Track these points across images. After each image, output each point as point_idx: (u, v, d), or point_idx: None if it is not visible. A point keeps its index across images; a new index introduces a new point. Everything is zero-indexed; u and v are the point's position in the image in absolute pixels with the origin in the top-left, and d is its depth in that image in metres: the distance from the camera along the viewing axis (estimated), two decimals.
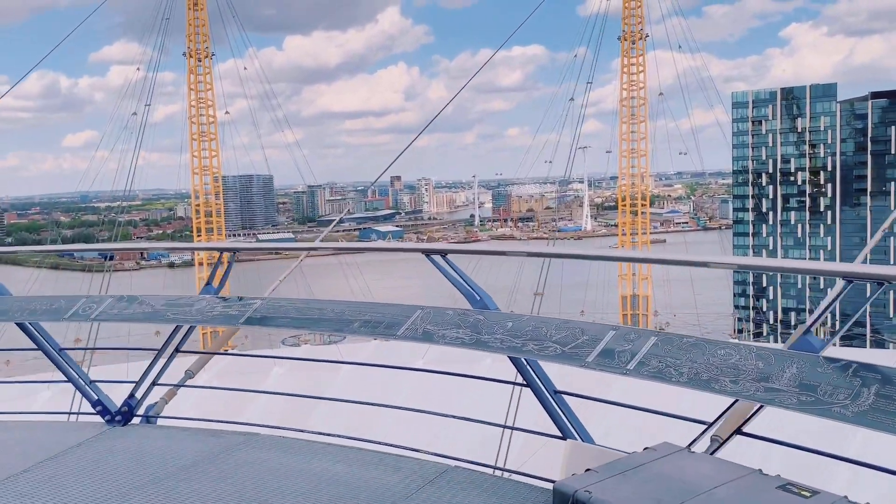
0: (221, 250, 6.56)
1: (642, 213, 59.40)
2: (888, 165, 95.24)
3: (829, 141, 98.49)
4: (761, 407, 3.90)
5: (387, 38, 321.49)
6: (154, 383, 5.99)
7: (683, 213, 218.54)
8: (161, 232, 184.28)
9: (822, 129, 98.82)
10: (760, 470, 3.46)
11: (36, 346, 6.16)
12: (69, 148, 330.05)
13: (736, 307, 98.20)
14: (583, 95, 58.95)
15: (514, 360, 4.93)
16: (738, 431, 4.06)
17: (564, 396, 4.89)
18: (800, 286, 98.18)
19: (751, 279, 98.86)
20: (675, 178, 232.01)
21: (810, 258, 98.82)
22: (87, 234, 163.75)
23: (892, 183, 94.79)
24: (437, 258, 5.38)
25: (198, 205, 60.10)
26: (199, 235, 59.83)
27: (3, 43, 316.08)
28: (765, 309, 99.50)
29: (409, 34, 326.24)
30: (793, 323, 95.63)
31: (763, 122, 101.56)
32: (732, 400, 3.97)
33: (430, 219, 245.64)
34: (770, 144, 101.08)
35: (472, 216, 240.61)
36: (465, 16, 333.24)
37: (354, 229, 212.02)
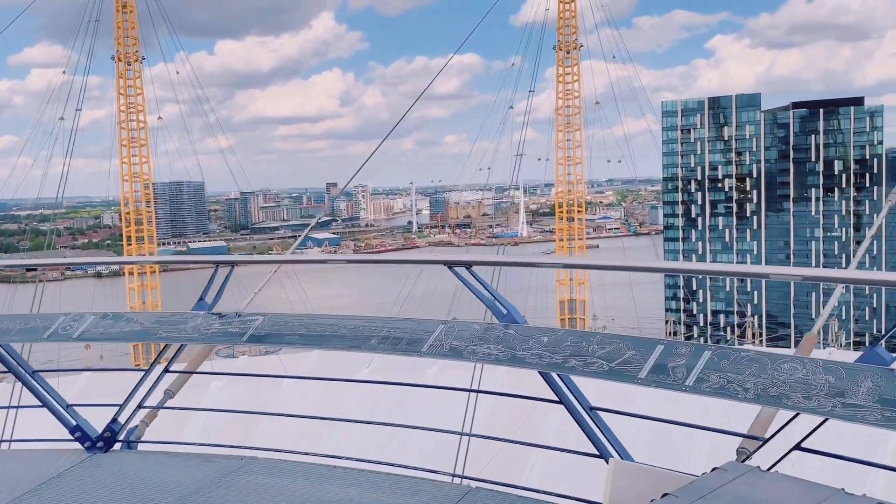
0: (217, 263, 6.10)
1: (578, 219, 60.45)
2: (809, 173, 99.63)
3: (754, 149, 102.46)
4: (824, 421, 3.72)
5: (321, 43, 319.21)
6: (140, 406, 5.59)
7: (615, 220, 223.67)
8: (87, 241, 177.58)
9: (747, 137, 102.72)
10: (843, 489, 3.29)
11: (6, 370, 5.67)
12: None
13: (668, 310, 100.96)
14: (522, 103, 59.65)
15: (546, 377, 4.68)
16: (799, 447, 3.87)
17: (601, 413, 4.65)
18: (728, 289, 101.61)
19: (681, 282, 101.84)
20: (607, 184, 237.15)
21: (738, 262, 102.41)
22: (6, 243, 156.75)
23: (813, 189, 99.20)
24: (461, 270, 5.16)
25: (128, 213, 58.14)
26: (128, 245, 57.87)
27: None
28: (695, 311, 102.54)
29: (343, 40, 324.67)
30: (722, 324, 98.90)
31: (692, 130, 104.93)
32: (792, 414, 3.73)
33: (367, 225, 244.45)
34: (698, 152, 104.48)
35: (410, 223, 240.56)
36: (400, 23, 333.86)
37: (290, 237, 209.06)
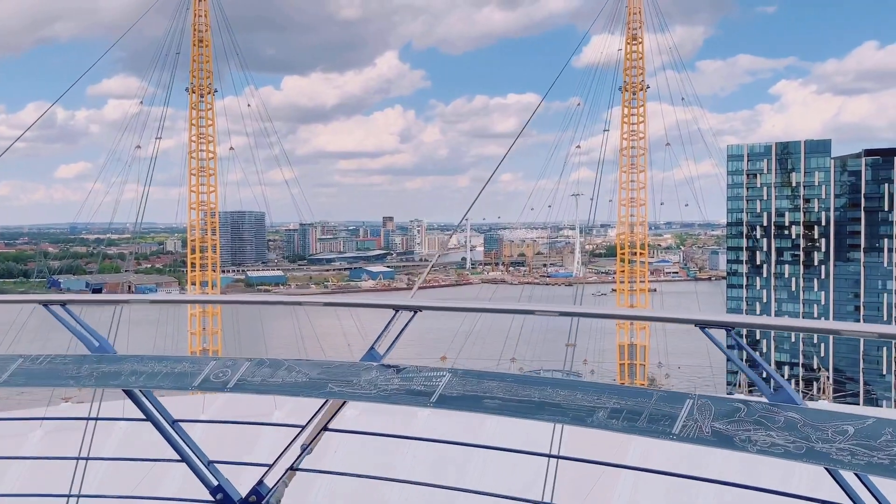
0: (398, 308, 5.33)
1: (641, 261, 59.22)
2: (881, 222, 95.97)
3: (823, 196, 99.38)
4: None
5: (384, 81, 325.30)
6: (292, 468, 5.10)
7: (673, 263, 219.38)
8: (150, 266, 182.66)
9: (816, 184, 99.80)
10: None
11: (145, 417, 5.30)
12: (61, 179, 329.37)
13: (730, 359, 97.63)
14: (584, 142, 59.19)
15: (835, 475, 3.78)
16: None
17: None
18: (793, 340, 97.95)
19: (744, 330, 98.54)
20: (665, 227, 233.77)
21: (804, 312, 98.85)
22: (74, 265, 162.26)
23: (886, 240, 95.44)
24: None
25: (193, 240, 59.35)
26: (192, 271, 58.96)
27: (3, 73, 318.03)
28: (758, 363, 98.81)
29: (406, 78, 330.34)
30: (786, 376, 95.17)
31: (758, 175, 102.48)
32: None
33: (421, 260, 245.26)
34: (764, 198, 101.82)
35: (464, 259, 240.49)
36: (461, 62, 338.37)
37: (345, 269, 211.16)
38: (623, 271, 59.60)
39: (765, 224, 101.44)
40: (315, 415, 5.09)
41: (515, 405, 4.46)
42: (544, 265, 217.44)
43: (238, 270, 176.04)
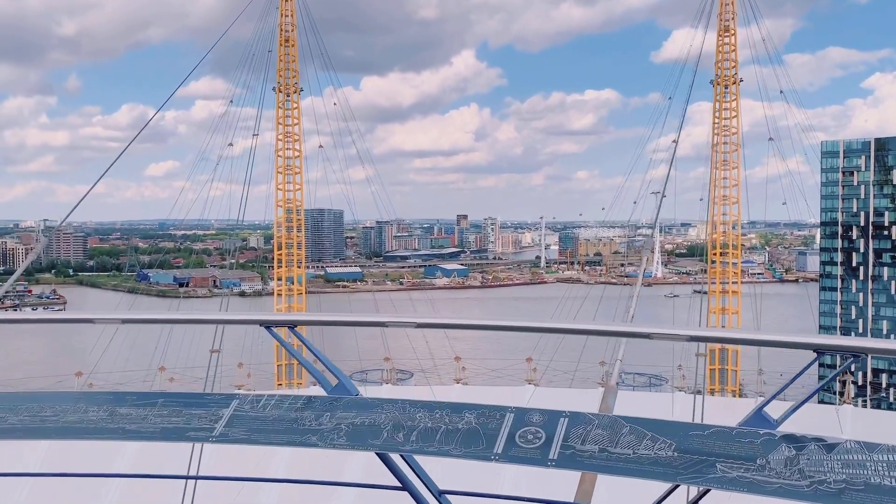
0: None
1: (733, 262, 56.94)
2: None
3: None
4: None
5: (460, 80, 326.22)
6: None
7: (758, 264, 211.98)
8: (234, 261, 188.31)
9: None
10: None
11: (400, 485, 4.45)
12: (151, 177, 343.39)
13: (821, 364, 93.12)
14: (658, 140, 57.42)
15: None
16: None
17: None
18: None
19: (837, 333, 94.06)
20: (748, 227, 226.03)
21: None
22: (163, 260, 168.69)
23: None
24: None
25: (279, 237, 60.40)
26: (279, 267, 60.02)
27: (100, 77, 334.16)
28: (852, 369, 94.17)
29: (482, 76, 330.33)
30: (884, 385, 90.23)
31: (854, 172, 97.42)
32: None
33: (495, 258, 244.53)
34: (861, 196, 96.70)
35: (538, 257, 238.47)
36: (538, 60, 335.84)
37: (420, 266, 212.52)
38: (714, 272, 57.48)
39: (862, 224, 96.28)
40: None
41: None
42: (622, 264, 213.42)
43: (318, 266, 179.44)
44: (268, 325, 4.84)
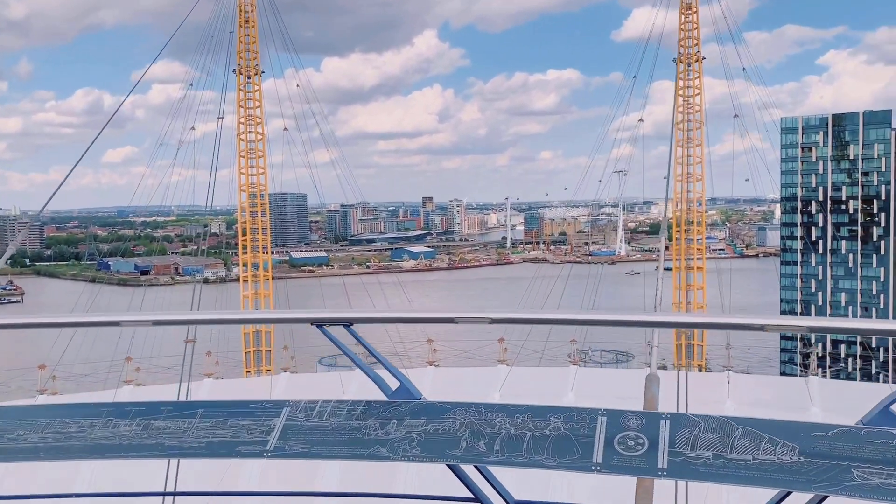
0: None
1: (697, 239, 57.64)
2: None
3: (883, 169, 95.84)
4: None
5: (423, 60, 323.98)
6: None
7: (719, 240, 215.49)
8: (196, 248, 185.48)
9: (875, 156, 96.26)
10: None
11: (473, 496, 4.09)
12: (108, 164, 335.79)
13: (782, 337, 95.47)
14: (620, 119, 57.87)
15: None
16: None
17: None
18: (850, 318, 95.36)
19: (799, 308, 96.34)
20: (709, 203, 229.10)
21: (862, 289, 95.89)
22: (123, 247, 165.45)
23: None
24: None
25: (244, 222, 59.45)
26: (244, 252, 59.13)
27: (52, 61, 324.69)
28: (813, 340, 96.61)
29: (444, 57, 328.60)
30: (843, 355, 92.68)
31: (813, 148, 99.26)
32: None
33: (461, 240, 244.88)
34: (820, 171, 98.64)
35: (504, 238, 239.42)
36: (500, 40, 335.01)
37: (386, 249, 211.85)
38: (678, 249, 58.12)
39: (820, 199, 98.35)
40: None
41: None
42: (586, 243, 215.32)
43: (282, 251, 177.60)
44: (320, 323, 4.36)
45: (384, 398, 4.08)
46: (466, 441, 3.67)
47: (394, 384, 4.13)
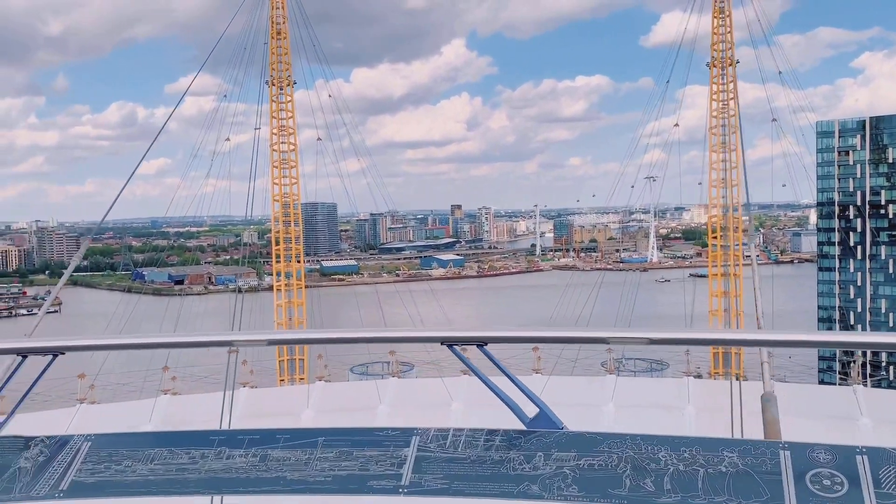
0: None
1: (735, 245, 56.78)
2: None
3: None
4: None
5: (451, 69, 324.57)
6: None
7: (755, 246, 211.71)
8: (228, 258, 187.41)
9: None
10: None
11: None
12: (142, 175, 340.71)
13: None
14: (651, 124, 57.31)
15: None
16: None
17: None
18: (891, 325, 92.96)
19: (837, 315, 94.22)
20: (743, 209, 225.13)
21: None
22: (157, 258, 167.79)
23: None
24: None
25: (276, 232, 59.89)
26: (277, 262, 59.55)
27: (88, 75, 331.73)
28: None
29: (472, 65, 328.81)
30: (884, 364, 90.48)
31: (850, 152, 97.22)
32: None
33: (490, 248, 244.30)
34: (858, 176, 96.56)
35: (534, 245, 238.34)
36: (528, 47, 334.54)
37: (416, 257, 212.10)
38: (715, 256, 57.31)
39: (858, 203, 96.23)
40: None
41: None
42: (617, 250, 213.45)
43: (312, 260, 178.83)
44: (451, 342, 4.02)
45: (520, 426, 3.69)
46: (630, 479, 3.25)
47: (530, 411, 3.73)
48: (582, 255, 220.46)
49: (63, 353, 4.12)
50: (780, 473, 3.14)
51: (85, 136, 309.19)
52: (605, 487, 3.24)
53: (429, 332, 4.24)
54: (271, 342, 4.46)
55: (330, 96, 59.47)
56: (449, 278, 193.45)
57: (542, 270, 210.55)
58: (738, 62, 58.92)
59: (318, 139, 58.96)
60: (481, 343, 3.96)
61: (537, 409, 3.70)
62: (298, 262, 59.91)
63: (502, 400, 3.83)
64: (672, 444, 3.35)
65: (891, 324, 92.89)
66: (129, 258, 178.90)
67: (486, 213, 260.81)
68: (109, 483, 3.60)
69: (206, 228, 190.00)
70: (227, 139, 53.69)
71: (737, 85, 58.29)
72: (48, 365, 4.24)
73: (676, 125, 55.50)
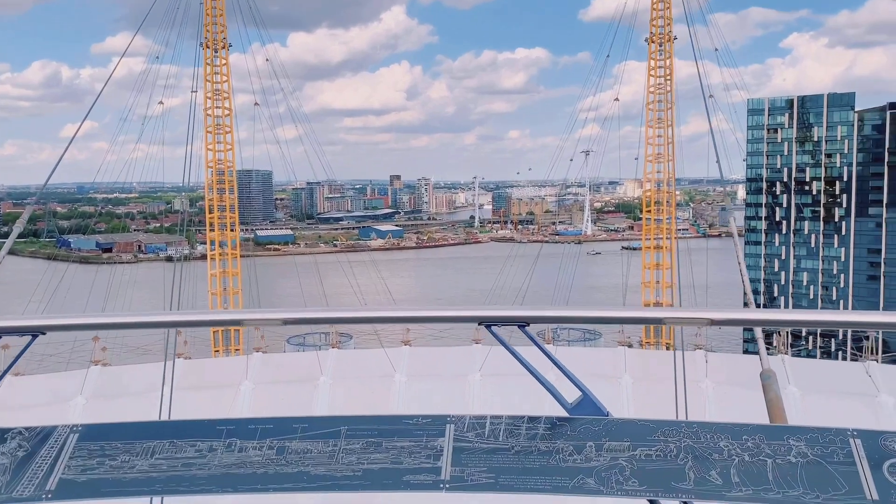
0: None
1: (667, 218, 58.14)
2: None
3: (846, 151, 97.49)
4: None
5: (391, 36, 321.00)
6: None
7: (683, 220, 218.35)
8: (159, 225, 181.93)
9: (838, 138, 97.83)
10: None
11: None
12: (67, 138, 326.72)
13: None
14: (587, 100, 57.99)
15: None
16: None
17: None
18: (811, 297, 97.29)
19: (762, 287, 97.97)
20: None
21: (823, 269, 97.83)
22: (83, 224, 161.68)
23: None
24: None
25: (210, 199, 58.29)
26: (211, 231, 58.03)
27: (6, 32, 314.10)
28: None
29: (413, 33, 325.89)
30: (803, 334, 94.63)
31: (778, 130, 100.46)
32: None
33: (429, 219, 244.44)
34: (785, 153, 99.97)
35: (472, 217, 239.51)
36: (469, 17, 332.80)
37: (354, 227, 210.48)
38: (649, 229, 58.57)
39: (785, 180, 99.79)
40: None
41: None
42: (553, 223, 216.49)
43: (246, 229, 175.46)
44: (490, 322, 3.67)
45: (562, 412, 3.40)
46: (694, 471, 2.98)
47: (570, 396, 3.43)
48: (519, 227, 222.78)
49: (44, 333, 3.69)
50: (855, 464, 2.98)
51: (5, 96, 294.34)
52: (669, 481, 2.99)
53: (465, 312, 3.89)
54: (287, 321, 4.01)
55: (267, 60, 57.89)
56: (388, 249, 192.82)
57: (480, 242, 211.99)
58: (675, 38, 59.83)
59: (256, 104, 57.44)
60: (523, 323, 3.68)
61: (580, 394, 3.46)
62: (233, 230, 58.54)
63: (542, 384, 3.58)
64: (733, 433, 3.15)
65: (811, 296, 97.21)
66: (53, 224, 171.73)
67: (426, 184, 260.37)
68: (105, 481, 3.16)
69: (136, 195, 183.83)
70: (161, 102, 51.62)
71: (673, 61, 59.26)
72: (27, 346, 3.77)
73: (616, 99, 56.28)
